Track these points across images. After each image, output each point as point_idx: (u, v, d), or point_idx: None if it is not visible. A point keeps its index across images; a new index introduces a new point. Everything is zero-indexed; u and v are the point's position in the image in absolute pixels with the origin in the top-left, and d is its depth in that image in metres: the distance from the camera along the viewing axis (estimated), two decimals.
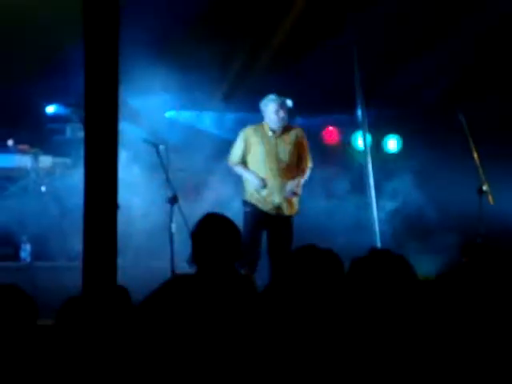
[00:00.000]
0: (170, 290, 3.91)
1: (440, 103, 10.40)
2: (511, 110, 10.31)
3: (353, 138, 10.90)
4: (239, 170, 8.03)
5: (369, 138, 9.99)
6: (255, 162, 7.93)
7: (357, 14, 9.59)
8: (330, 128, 11.15)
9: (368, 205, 9.57)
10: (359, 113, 9.82)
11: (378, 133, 10.81)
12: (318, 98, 10.45)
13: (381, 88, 10.58)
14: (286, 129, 8.00)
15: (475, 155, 7.84)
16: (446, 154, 9.78)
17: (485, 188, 7.68)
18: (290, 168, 7.97)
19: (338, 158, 11.03)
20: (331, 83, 10.17)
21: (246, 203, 7.97)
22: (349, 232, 9.63)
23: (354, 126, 10.42)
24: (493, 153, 8.74)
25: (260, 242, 7.93)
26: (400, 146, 11.10)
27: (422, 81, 10.60)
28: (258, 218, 7.89)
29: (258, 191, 7.90)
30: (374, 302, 4.06)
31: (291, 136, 8.02)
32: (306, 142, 8.12)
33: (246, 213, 7.91)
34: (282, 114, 7.88)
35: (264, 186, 7.85)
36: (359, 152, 10.45)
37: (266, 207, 7.89)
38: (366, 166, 9.70)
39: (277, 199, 7.89)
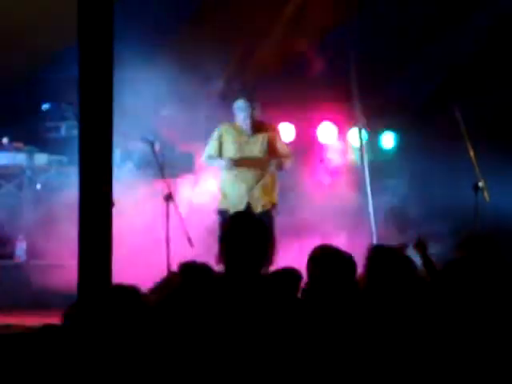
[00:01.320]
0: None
1: (436, 99, 10.39)
2: (506, 107, 10.31)
3: (348, 134, 10.88)
4: (212, 161, 8.10)
5: (364, 134, 9.99)
6: (231, 157, 7.98)
7: (354, 13, 9.59)
8: (326, 124, 11.13)
9: (364, 201, 9.57)
10: (355, 109, 9.82)
11: (374, 129, 10.80)
12: (313, 95, 10.43)
13: (377, 84, 10.57)
14: (257, 126, 8.06)
15: (471, 152, 7.84)
16: (441, 150, 9.77)
17: (480, 185, 7.68)
18: (263, 165, 7.99)
19: (334, 154, 11.01)
20: (327, 79, 10.15)
21: (219, 212, 7.98)
22: (345, 228, 9.63)
23: (349, 122, 10.42)
24: (489, 149, 8.74)
25: None
26: (395, 142, 11.09)
27: (417, 77, 10.60)
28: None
29: (229, 189, 7.92)
30: (382, 298, 4.08)
31: (263, 133, 8.06)
32: (279, 137, 8.21)
33: (219, 223, 7.81)
34: (249, 122, 7.97)
35: (232, 164, 7.87)
36: (355, 148, 10.44)
37: (238, 208, 7.79)
38: (361, 163, 9.70)
39: (248, 195, 7.91)
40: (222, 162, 7.98)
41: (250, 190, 7.94)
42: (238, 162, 7.96)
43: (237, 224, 3.94)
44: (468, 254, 4.82)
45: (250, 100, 8.02)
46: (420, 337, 3.92)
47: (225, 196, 8.01)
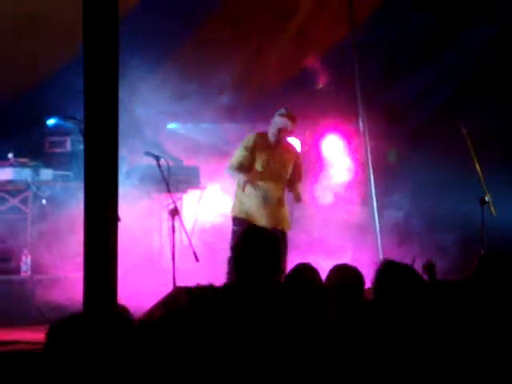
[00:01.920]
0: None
1: (441, 114, 10.39)
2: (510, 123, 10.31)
3: (354, 148, 10.88)
4: (237, 173, 7.84)
5: (369, 148, 9.98)
6: (256, 173, 7.83)
7: (357, 27, 9.61)
8: (331, 137, 11.13)
9: (371, 215, 9.56)
10: (360, 123, 9.82)
11: (380, 143, 10.79)
12: (319, 108, 10.44)
13: (382, 99, 10.58)
14: (287, 147, 8.02)
15: (477, 166, 7.82)
16: (447, 165, 9.76)
17: (487, 199, 7.66)
18: (283, 181, 7.93)
19: (339, 167, 11.00)
20: (333, 94, 10.17)
21: (235, 220, 7.81)
22: (350, 243, 9.61)
23: (355, 136, 10.42)
24: (495, 164, 8.73)
25: None
26: (401, 156, 11.08)
27: (421, 92, 10.61)
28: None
29: (247, 199, 7.75)
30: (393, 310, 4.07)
31: (288, 151, 8.01)
32: (301, 162, 8.15)
33: (234, 231, 7.71)
34: (282, 136, 7.87)
35: (247, 182, 7.68)
36: (361, 162, 10.43)
37: (261, 221, 7.67)
38: (367, 177, 9.68)
39: (270, 213, 7.78)
40: (242, 180, 7.73)
41: (272, 207, 7.81)
42: (260, 177, 7.78)
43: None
44: (478, 273, 4.79)
45: (293, 119, 7.89)
46: (426, 349, 3.90)
47: (241, 203, 7.84)
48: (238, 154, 7.88)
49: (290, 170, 7.97)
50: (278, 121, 7.86)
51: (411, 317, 4.04)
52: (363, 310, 4.11)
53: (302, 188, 8.10)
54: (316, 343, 3.78)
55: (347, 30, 9.65)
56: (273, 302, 3.77)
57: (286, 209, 7.97)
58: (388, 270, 4.33)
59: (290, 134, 8.04)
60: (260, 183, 7.75)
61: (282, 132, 7.86)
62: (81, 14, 4.12)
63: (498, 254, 4.87)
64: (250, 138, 7.92)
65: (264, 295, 3.79)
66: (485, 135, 9.45)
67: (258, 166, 7.82)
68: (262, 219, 7.72)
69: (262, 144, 7.86)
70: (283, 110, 7.88)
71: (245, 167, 7.81)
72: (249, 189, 7.73)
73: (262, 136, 7.92)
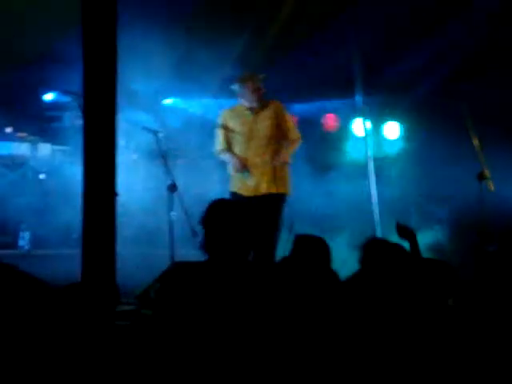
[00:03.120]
0: (173, 279, 3.85)
1: (440, 89, 10.37)
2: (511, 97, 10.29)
3: (352, 124, 10.88)
4: (224, 156, 7.78)
5: (368, 124, 9.97)
6: (236, 144, 7.72)
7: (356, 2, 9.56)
8: (329, 114, 11.12)
9: (368, 191, 9.56)
10: (358, 99, 9.79)
11: (378, 119, 10.79)
12: (317, 85, 10.42)
13: (380, 75, 10.55)
14: (263, 105, 7.75)
15: (476, 142, 7.81)
16: (446, 140, 9.75)
17: (485, 174, 7.66)
18: (272, 144, 7.73)
19: (338, 144, 11.01)
20: (331, 69, 10.14)
21: (232, 195, 7.72)
22: (349, 218, 9.62)
23: (353, 112, 10.41)
24: (493, 139, 8.72)
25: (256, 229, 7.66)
26: (400, 132, 11.08)
27: (422, 67, 10.57)
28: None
29: (240, 175, 7.65)
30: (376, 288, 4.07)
31: (270, 111, 7.75)
32: (287, 115, 7.88)
33: None
34: (259, 94, 7.64)
35: (244, 170, 7.62)
36: (359, 138, 10.43)
37: (248, 191, 7.62)
38: (365, 153, 9.68)
39: (257, 178, 7.64)
40: (237, 165, 7.62)
41: (262, 174, 7.65)
42: (246, 156, 7.65)
43: (215, 211, 3.90)
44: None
45: (253, 76, 7.70)
46: (410, 329, 3.92)
47: (238, 179, 7.72)
48: (215, 136, 7.83)
49: (276, 128, 7.83)
50: (254, 83, 7.67)
51: (395, 295, 4.05)
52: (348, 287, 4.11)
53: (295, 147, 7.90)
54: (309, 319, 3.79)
55: (344, 4, 9.59)
56: (243, 280, 3.75)
57: (281, 171, 7.85)
58: (373, 247, 4.32)
59: (260, 90, 7.70)
60: (244, 160, 7.67)
61: (257, 90, 7.66)
62: None
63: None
64: (219, 115, 7.85)
65: (236, 270, 3.76)
66: (486, 110, 9.44)
67: (237, 141, 7.71)
68: (248, 188, 7.67)
69: (233, 116, 7.74)
70: (248, 73, 7.77)
71: (225, 149, 7.74)
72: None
73: (232, 109, 7.78)
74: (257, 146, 7.70)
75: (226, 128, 7.75)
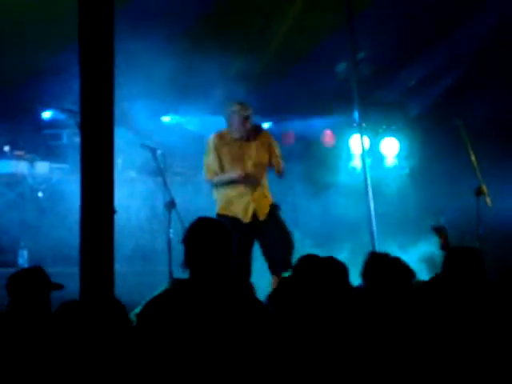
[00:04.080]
0: (169, 297, 3.88)
1: (437, 106, 10.40)
2: (507, 112, 10.32)
3: (349, 140, 10.89)
4: (217, 178, 7.66)
5: (366, 140, 9.98)
6: (232, 169, 7.63)
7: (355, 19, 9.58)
8: (327, 131, 11.14)
9: (366, 207, 9.56)
10: (356, 116, 9.81)
11: (375, 136, 10.81)
12: (315, 101, 10.45)
13: (378, 91, 10.58)
14: (251, 132, 7.76)
15: (473, 157, 7.83)
16: (443, 155, 9.77)
17: (483, 190, 7.67)
18: (260, 172, 7.74)
19: (336, 160, 11.02)
20: (329, 87, 10.17)
21: (221, 217, 7.51)
22: (347, 234, 9.62)
23: (351, 129, 10.42)
24: (490, 155, 8.74)
25: (248, 254, 7.55)
26: (397, 148, 11.10)
27: (418, 84, 10.61)
28: (239, 229, 7.42)
29: (236, 197, 7.62)
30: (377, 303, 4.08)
31: (258, 139, 7.78)
32: (273, 142, 7.87)
33: None
34: (248, 124, 7.64)
35: (242, 176, 7.54)
36: (356, 155, 10.44)
37: (245, 216, 7.60)
38: (363, 169, 9.68)
39: (251, 203, 7.64)
40: (234, 175, 7.59)
41: (254, 198, 7.66)
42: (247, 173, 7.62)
43: (199, 229, 3.92)
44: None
45: (247, 105, 7.70)
46: (411, 343, 3.93)
47: (230, 203, 7.69)
48: (205, 162, 7.73)
49: (263, 153, 7.83)
50: (240, 113, 7.63)
51: (398, 310, 4.06)
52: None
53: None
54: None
55: (344, 18, 9.61)
56: (224, 297, 3.76)
57: (267, 188, 7.78)
58: (374, 262, 4.33)
59: (248, 120, 7.65)
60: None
61: (246, 121, 7.63)
62: (76, 4, 4.12)
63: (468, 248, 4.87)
64: (209, 140, 7.77)
65: (216, 289, 3.77)
66: (483, 125, 9.46)
67: (227, 165, 7.67)
68: (248, 213, 7.65)
69: (224, 144, 7.70)
70: (235, 102, 7.72)
71: (218, 173, 7.68)
72: (234, 184, 7.65)
73: (221, 135, 7.75)
74: (254, 172, 7.66)
75: (218, 154, 7.67)
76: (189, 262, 3.85)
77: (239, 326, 3.66)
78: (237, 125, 7.68)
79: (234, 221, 7.53)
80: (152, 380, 3.56)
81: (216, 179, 7.71)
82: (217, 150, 7.68)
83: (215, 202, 7.75)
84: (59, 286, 4.50)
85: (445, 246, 5.72)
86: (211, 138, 7.76)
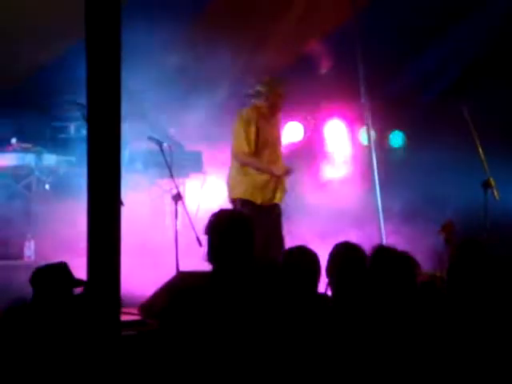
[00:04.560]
0: (180, 291, 3.86)
1: (444, 98, 10.38)
2: None
3: (358, 132, 10.89)
4: (255, 162, 7.41)
5: (373, 133, 9.96)
6: (261, 148, 7.49)
7: (362, 10, 9.56)
8: (335, 121, 11.12)
9: (373, 199, 9.55)
10: (364, 108, 9.79)
11: (382, 128, 10.79)
12: (322, 93, 10.43)
13: (385, 84, 10.56)
14: (278, 113, 7.76)
15: (480, 150, 7.81)
16: (450, 149, 9.75)
17: (490, 182, 7.65)
18: (280, 153, 7.73)
19: (343, 150, 11.01)
20: (335, 77, 10.15)
21: (243, 202, 7.39)
22: (355, 226, 9.61)
23: (358, 121, 10.42)
24: (498, 148, 8.72)
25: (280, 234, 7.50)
26: (404, 141, 11.09)
27: (426, 76, 10.59)
28: (261, 217, 7.27)
29: (256, 181, 7.44)
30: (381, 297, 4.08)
31: (278, 119, 7.78)
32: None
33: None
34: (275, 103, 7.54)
35: (282, 175, 7.41)
36: (364, 146, 10.43)
37: (264, 199, 7.45)
38: (370, 161, 9.67)
39: (274, 186, 7.52)
40: (276, 173, 7.37)
41: (278, 183, 7.55)
42: (272, 161, 7.48)
43: (219, 220, 3.91)
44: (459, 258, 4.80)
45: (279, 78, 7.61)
46: (413, 338, 3.92)
47: (255, 187, 7.47)
48: (245, 134, 7.43)
49: (280, 137, 7.79)
50: (279, 89, 7.54)
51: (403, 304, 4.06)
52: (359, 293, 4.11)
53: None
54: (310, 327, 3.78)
55: (350, 13, 9.59)
56: (247, 289, 3.74)
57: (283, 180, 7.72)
58: (380, 255, 4.33)
59: (283, 97, 7.63)
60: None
61: (282, 100, 7.56)
62: None
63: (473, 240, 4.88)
64: (248, 112, 7.53)
65: (242, 280, 3.75)
66: (490, 117, 9.44)
67: (264, 144, 7.51)
68: (265, 197, 7.55)
69: (259, 119, 7.51)
70: (276, 78, 7.65)
71: (256, 146, 7.42)
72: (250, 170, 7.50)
73: (258, 110, 7.56)
74: (276, 152, 7.65)
75: (257, 128, 7.45)
76: (213, 254, 3.83)
77: (266, 321, 3.63)
78: (274, 102, 7.52)
79: (256, 207, 7.39)
80: (175, 375, 3.53)
81: (247, 159, 7.43)
82: (256, 124, 7.44)
83: (233, 183, 7.54)
84: (81, 283, 4.51)
85: (450, 241, 5.72)
86: (249, 111, 7.52)
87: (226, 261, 3.78)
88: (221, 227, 3.85)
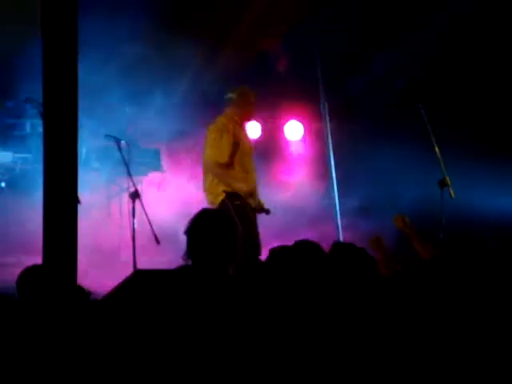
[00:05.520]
0: (132, 287, 3.86)
1: (402, 98, 10.45)
2: (471, 105, 10.40)
3: (315, 131, 10.93)
4: (227, 178, 7.18)
5: (330, 132, 10.02)
6: (240, 157, 7.34)
7: (317, 14, 9.60)
8: (293, 122, 11.16)
9: (331, 198, 9.61)
10: (322, 107, 9.85)
11: (341, 127, 10.84)
12: (281, 93, 10.46)
13: (343, 83, 10.62)
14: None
15: (436, 149, 7.88)
16: (407, 148, 9.82)
17: (446, 181, 7.72)
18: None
19: (301, 151, 11.05)
20: (293, 78, 10.19)
21: (233, 195, 7.15)
22: (312, 225, 9.65)
23: (316, 120, 10.46)
24: (454, 147, 8.80)
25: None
26: (360, 139, 11.15)
27: (383, 77, 10.66)
28: (251, 211, 7.21)
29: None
30: (337, 293, 4.09)
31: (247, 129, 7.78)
32: None
33: (237, 205, 7.06)
34: (251, 113, 7.50)
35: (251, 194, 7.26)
36: (321, 145, 10.48)
37: (253, 203, 7.33)
38: (328, 160, 9.73)
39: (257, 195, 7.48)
40: (245, 189, 7.16)
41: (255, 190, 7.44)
42: (250, 171, 7.38)
43: (204, 220, 3.92)
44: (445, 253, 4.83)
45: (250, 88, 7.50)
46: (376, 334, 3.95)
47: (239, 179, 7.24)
48: (219, 143, 7.22)
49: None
50: (250, 97, 7.46)
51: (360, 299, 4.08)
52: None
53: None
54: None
55: (307, 13, 9.63)
56: (225, 288, 3.74)
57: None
58: (338, 252, 4.36)
59: (254, 106, 7.58)
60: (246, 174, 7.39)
61: (253, 108, 7.49)
62: None
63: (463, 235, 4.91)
64: (223, 121, 7.34)
65: (221, 279, 3.76)
66: (446, 118, 9.53)
67: (242, 154, 7.35)
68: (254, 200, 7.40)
69: (235, 127, 7.38)
70: (247, 87, 7.55)
71: (232, 158, 7.22)
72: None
73: (233, 119, 7.41)
74: (251, 161, 7.53)
75: (235, 137, 7.28)
76: (192, 253, 3.83)
77: (236, 319, 3.63)
78: (246, 110, 7.42)
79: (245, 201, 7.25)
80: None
81: (223, 174, 7.19)
82: (234, 133, 7.26)
83: (213, 186, 7.34)
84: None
85: (408, 233, 5.78)
86: (223, 120, 7.33)
87: (203, 260, 3.79)
88: (202, 227, 3.87)
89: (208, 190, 7.38)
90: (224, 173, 7.20)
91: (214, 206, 7.20)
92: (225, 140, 7.19)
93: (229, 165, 7.22)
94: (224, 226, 3.88)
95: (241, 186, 7.20)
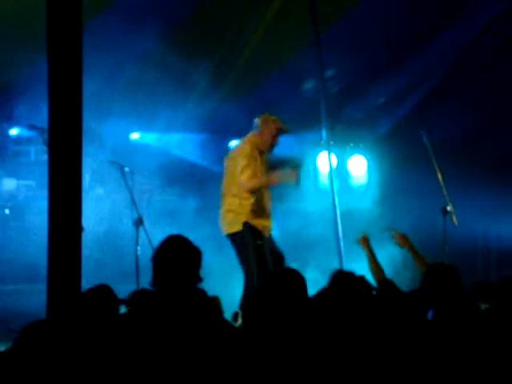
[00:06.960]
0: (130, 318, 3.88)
1: (405, 124, 10.48)
2: (473, 131, 10.43)
3: (317, 158, 10.94)
4: (259, 181, 7.35)
5: (333, 158, 10.02)
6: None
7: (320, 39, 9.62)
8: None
9: (334, 224, 9.59)
10: (324, 134, 9.85)
11: (343, 154, 10.86)
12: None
13: (346, 110, 10.64)
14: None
15: (439, 176, 7.89)
16: (410, 174, 9.84)
17: (449, 208, 7.72)
18: None
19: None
20: (297, 105, 10.20)
21: (254, 232, 7.29)
22: (315, 251, 9.63)
23: (318, 146, 10.46)
24: (456, 174, 8.81)
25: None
26: (364, 166, 11.16)
27: (386, 103, 10.69)
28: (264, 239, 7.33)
29: (261, 208, 7.40)
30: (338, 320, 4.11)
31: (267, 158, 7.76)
32: None
33: (259, 246, 7.22)
34: (277, 140, 7.57)
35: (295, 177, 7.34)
36: (324, 173, 10.48)
37: (264, 232, 7.42)
38: (330, 187, 9.72)
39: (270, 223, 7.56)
40: (287, 173, 7.29)
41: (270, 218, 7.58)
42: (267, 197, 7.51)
43: (168, 247, 3.94)
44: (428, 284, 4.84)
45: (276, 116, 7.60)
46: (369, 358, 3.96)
47: (257, 214, 7.39)
48: (249, 165, 7.35)
49: None
50: (279, 126, 7.53)
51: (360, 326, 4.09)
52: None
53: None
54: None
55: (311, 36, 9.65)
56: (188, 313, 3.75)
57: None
58: (339, 280, 4.38)
59: (277, 137, 7.60)
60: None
61: (276, 139, 7.53)
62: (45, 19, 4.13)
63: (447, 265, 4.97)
64: (249, 147, 7.46)
65: (183, 306, 3.78)
66: (449, 143, 9.55)
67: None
68: (265, 229, 7.49)
69: (259, 155, 7.50)
70: (272, 115, 7.60)
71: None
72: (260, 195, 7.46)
73: (254, 145, 7.49)
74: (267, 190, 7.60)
75: (257, 161, 7.44)
76: (156, 280, 3.86)
77: (201, 346, 3.65)
78: (271, 138, 7.51)
79: (259, 232, 7.34)
80: None
81: (258, 181, 7.35)
82: (256, 160, 7.41)
83: (233, 217, 7.45)
84: (125, 302, 4.48)
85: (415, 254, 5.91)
86: (250, 147, 7.45)
87: (167, 287, 3.81)
88: (166, 254, 3.89)
89: (225, 217, 7.49)
90: (257, 180, 7.36)
91: (233, 227, 7.38)
92: (252, 165, 7.34)
93: (260, 192, 7.42)
94: (188, 253, 3.90)
95: (276, 176, 7.33)
